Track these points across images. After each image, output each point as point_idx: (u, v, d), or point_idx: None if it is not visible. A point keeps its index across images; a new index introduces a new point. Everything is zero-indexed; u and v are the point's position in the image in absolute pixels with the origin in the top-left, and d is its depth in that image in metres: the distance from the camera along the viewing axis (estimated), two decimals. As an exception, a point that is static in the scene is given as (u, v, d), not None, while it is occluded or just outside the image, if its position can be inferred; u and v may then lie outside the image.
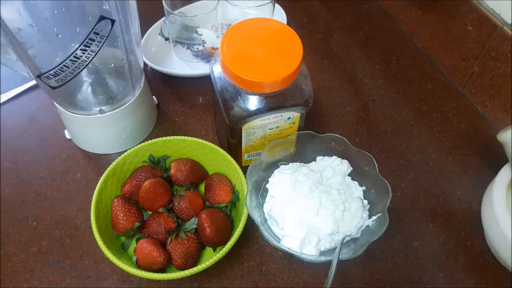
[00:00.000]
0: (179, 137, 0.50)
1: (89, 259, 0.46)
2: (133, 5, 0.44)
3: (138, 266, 0.43)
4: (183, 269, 0.41)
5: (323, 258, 0.41)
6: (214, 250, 0.46)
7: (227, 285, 0.45)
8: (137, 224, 0.45)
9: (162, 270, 0.43)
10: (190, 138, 0.50)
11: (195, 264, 0.44)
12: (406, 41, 0.70)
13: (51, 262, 0.46)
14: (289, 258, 0.47)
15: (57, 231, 0.48)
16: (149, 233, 0.45)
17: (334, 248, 0.43)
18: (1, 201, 0.50)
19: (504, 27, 0.53)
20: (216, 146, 0.49)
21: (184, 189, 0.47)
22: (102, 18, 0.40)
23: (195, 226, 0.45)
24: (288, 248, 0.41)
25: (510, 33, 0.52)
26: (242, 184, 0.46)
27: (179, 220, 0.47)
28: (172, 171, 0.49)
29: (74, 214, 0.50)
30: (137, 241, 0.44)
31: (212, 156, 0.50)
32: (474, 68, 0.59)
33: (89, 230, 0.48)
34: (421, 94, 0.63)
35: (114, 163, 0.47)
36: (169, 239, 0.44)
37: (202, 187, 0.51)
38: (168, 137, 0.50)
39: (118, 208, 0.45)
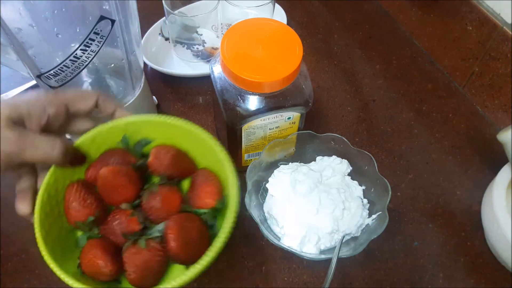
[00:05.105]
0: (165, 117, 0.40)
1: (89, 259, 0.46)
2: (133, 5, 0.44)
3: (83, 273, 0.35)
4: (138, 286, 0.34)
5: (323, 257, 0.41)
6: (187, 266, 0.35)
7: (227, 285, 0.45)
8: (91, 218, 0.36)
9: (115, 281, 0.36)
10: (179, 121, 0.40)
11: (156, 282, 0.36)
12: (406, 41, 0.70)
13: (51, 262, 0.46)
14: (289, 258, 0.47)
15: (57, 231, 0.48)
16: (105, 233, 0.37)
17: (334, 247, 0.43)
18: (1, 201, 0.50)
19: (504, 27, 0.53)
20: (210, 137, 0.39)
21: (159, 184, 0.38)
22: (102, 18, 0.40)
23: (160, 234, 0.35)
24: (288, 247, 0.41)
25: (510, 33, 0.52)
26: (234, 188, 0.36)
27: (147, 222, 0.37)
28: (150, 158, 0.39)
29: (74, 214, 0.50)
30: (88, 240, 0.37)
31: (201, 146, 0.40)
32: (474, 68, 0.59)
33: (89, 230, 0.48)
34: (421, 94, 0.63)
35: (79, 140, 0.39)
36: (125, 245, 0.35)
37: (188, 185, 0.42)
38: (152, 116, 0.40)
39: (71, 194, 0.36)
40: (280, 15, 0.70)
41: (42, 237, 0.34)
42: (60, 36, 0.40)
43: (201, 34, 0.64)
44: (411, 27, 0.70)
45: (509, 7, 0.51)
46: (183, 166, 0.41)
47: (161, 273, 0.36)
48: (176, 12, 0.64)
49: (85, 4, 0.40)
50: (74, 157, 0.37)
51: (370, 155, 0.46)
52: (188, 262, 0.34)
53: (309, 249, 0.42)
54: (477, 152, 0.56)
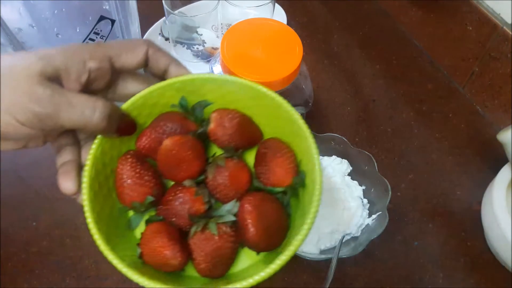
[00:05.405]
0: (231, 76, 0.33)
1: (89, 259, 0.46)
2: (133, 5, 0.45)
3: (144, 261, 0.30)
4: (207, 276, 0.30)
5: (323, 257, 0.41)
6: (258, 252, 0.31)
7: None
8: (150, 198, 0.31)
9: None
10: (247, 81, 0.33)
11: (225, 271, 0.31)
12: (406, 41, 0.70)
13: (51, 262, 0.46)
14: (289, 258, 0.47)
15: (57, 231, 0.48)
16: (166, 214, 0.31)
17: (334, 247, 0.43)
18: (1, 201, 0.51)
19: (504, 27, 0.53)
20: (285, 101, 0.32)
21: (224, 156, 0.32)
22: (102, 18, 0.40)
23: (234, 218, 0.30)
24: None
25: (510, 33, 0.52)
26: (313, 162, 0.29)
27: (213, 201, 0.32)
28: (212, 125, 0.32)
29: (74, 214, 0.50)
30: (147, 223, 0.31)
31: (272, 112, 0.33)
32: (474, 68, 0.59)
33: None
34: (421, 94, 0.63)
35: (126, 103, 0.32)
36: (193, 230, 0.30)
37: (249, 157, 0.35)
38: (214, 74, 0.34)
39: (125, 170, 0.31)
40: (280, 15, 0.70)
41: (94, 221, 0.28)
42: (60, 36, 0.41)
43: (201, 34, 0.64)
44: (411, 27, 0.70)
45: (509, 7, 0.51)
46: (249, 135, 0.34)
47: (231, 260, 0.31)
48: (176, 12, 0.64)
49: (85, 4, 0.40)
50: (122, 125, 0.31)
51: (370, 155, 0.46)
52: (264, 249, 0.30)
53: (309, 249, 0.42)
54: (477, 152, 0.56)
